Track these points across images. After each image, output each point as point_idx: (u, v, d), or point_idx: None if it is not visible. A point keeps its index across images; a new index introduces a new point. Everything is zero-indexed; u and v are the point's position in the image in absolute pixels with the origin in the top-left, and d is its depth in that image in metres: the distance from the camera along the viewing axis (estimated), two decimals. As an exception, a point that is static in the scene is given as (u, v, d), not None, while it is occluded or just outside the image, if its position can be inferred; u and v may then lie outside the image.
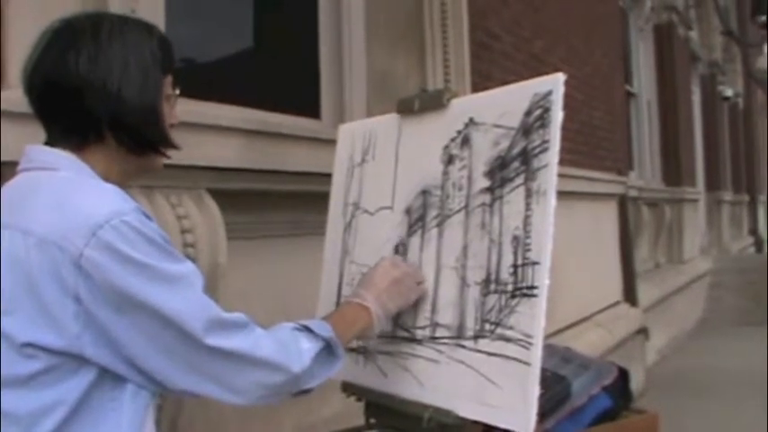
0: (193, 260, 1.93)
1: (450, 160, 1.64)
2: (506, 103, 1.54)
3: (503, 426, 1.41)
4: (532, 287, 1.41)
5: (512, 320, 1.43)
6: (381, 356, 1.70)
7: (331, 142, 2.05)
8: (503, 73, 4.01)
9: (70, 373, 1.15)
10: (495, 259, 1.49)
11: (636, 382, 3.59)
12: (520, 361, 1.40)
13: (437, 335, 1.59)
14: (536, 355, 1.38)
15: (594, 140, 5.65)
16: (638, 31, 8.59)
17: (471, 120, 1.60)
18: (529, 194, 1.45)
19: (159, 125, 1.33)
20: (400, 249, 1.72)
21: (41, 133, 1.29)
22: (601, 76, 5.92)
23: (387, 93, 3.08)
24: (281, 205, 2.46)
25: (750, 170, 16.17)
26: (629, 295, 6.31)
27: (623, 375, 1.89)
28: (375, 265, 1.64)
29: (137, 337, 1.16)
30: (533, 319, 1.39)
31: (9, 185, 1.27)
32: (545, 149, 1.43)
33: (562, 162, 1.43)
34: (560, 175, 1.41)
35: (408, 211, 1.72)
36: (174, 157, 1.41)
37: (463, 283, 1.55)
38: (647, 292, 6.86)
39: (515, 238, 1.46)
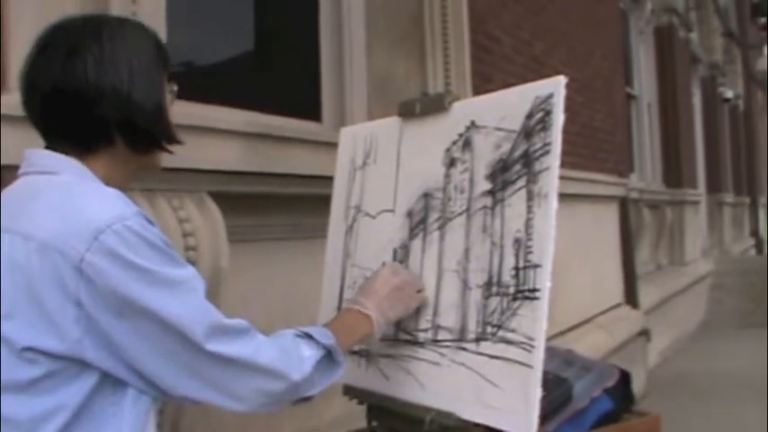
0: (195, 263, 1.93)
1: (451, 163, 1.64)
2: (508, 106, 1.54)
3: (505, 428, 1.41)
4: (534, 290, 1.41)
5: (513, 323, 1.43)
6: (383, 359, 1.70)
7: (332, 145, 2.05)
8: (503, 76, 4.02)
9: (71, 378, 1.14)
10: (496, 262, 1.49)
11: (637, 385, 3.58)
12: (522, 363, 1.40)
13: (439, 337, 1.59)
14: (538, 357, 1.38)
15: (595, 143, 5.65)
16: (639, 33, 8.59)
17: (473, 123, 1.61)
18: (530, 197, 1.45)
19: (167, 123, 1.34)
20: (402, 252, 1.72)
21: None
22: (601, 78, 5.92)
23: (387, 96, 3.08)
24: (283, 208, 2.46)
25: (751, 172, 16.17)
26: (631, 297, 6.31)
27: (625, 378, 1.89)
28: (375, 273, 1.64)
29: (137, 342, 1.15)
30: (535, 321, 1.40)
31: (9, 189, 1.26)
32: (546, 152, 1.43)
33: (563, 164, 1.43)
34: (561, 178, 1.42)
35: (410, 214, 1.72)
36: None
37: (465, 285, 1.55)
38: (648, 294, 6.85)
39: (517, 241, 1.46)
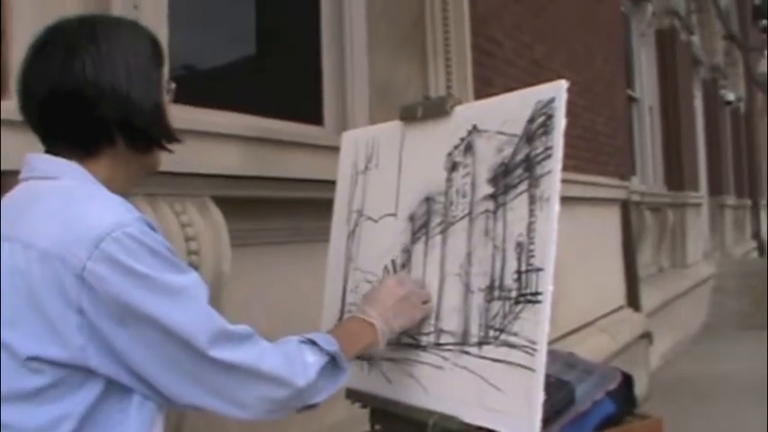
0: (197, 268, 1.94)
1: (453, 167, 1.64)
2: (509, 110, 1.54)
3: (507, 432, 1.41)
4: (536, 293, 1.41)
5: (516, 327, 1.43)
6: (386, 363, 1.70)
7: (334, 149, 2.06)
8: (504, 79, 4.02)
9: (76, 386, 1.14)
10: (498, 266, 1.49)
11: (640, 387, 3.58)
12: (524, 367, 1.40)
13: (441, 341, 1.59)
14: (540, 360, 1.38)
15: (597, 146, 5.65)
16: (640, 36, 8.59)
17: (474, 127, 1.61)
18: (532, 201, 1.45)
19: (165, 121, 1.33)
20: (404, 256, 1.72)
21: (42, 142, 1.29)
22: (603, 81, 5.92)
23: (389, 99, 3.08)
24: (284, 212, 2.46)
25: (752, 174, 16.17)
26: (633, 300, 6.30)
27: (627, 380, 1.89)
28: (380, 283, 1.63)
29: (140, 349, 1.15)
30: (537, 325, 1.40)
31: (9, 195, 1.25)
32: (548, 156, 1.43)
33: (564, 167, 1.43)
34: (563, 181, 1.42)
35: (412, 219, 1.72)
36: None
37: (467, 289, 1.55)
38: (650, 296, 6.85)
39: (519, 245, 1.46)
